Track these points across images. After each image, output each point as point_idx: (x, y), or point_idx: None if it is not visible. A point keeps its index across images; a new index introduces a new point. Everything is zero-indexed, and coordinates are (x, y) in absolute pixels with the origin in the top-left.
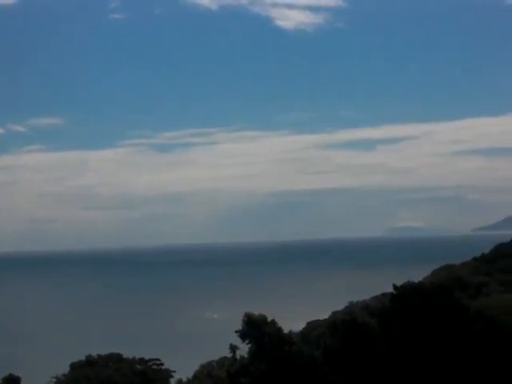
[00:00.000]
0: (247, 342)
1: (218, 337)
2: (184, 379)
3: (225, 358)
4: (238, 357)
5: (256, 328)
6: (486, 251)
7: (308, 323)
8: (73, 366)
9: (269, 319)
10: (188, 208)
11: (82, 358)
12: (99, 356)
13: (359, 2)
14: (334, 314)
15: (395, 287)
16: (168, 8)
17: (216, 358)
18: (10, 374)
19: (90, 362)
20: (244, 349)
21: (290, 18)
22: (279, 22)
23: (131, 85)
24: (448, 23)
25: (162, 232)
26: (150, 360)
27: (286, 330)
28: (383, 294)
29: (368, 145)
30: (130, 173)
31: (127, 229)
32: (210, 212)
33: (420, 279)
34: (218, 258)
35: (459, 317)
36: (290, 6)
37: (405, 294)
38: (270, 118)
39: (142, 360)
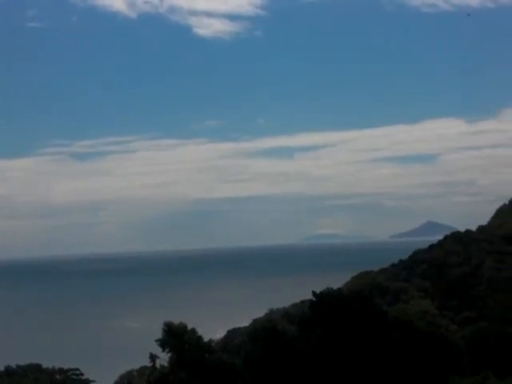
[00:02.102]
0: (167, 350)
1: (138, 346)
2: None
3: (145, 367)
4: (158, 366)
5: (176, 337)
6: (404, 257)
7: (228, 331)
8: None
9: (189, 328)
10: (107, 217)
11: (1, 368)
12: (18, 366)
13: (277, 10)
14: (255, 321)
15: (314, 294)
16: (85, 16)
17: (136, 367)
18: None
19: (8, 372)
20: (164, 358)
21: (208, 26)
22: (198, 30)
23: (49, 93)
24: (365, 30)
25: (81, 241)
26: (69, 370)
27: (206, 339)
28: (303, 302)
29: (286, 153)
30: (48, 182)
31: (47, 238)
32: (128, 221)
33: (339, 286)
34: (138, 267)
35: (377, 323)
36: (209, 14)
37: (324, 301)
38: (187, 127)
39: (61, 370)
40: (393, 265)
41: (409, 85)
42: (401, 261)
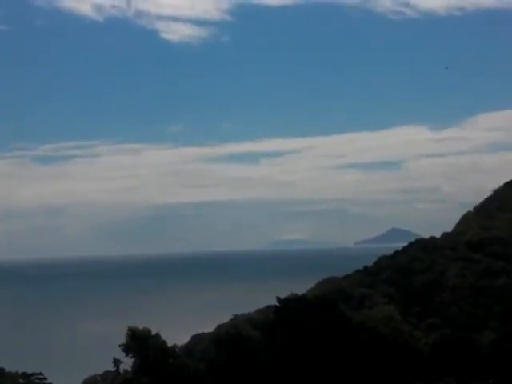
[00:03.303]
0: (131, 355)
1: (101, 351)
2: None
3: (108, 372)
4: (121, 371)
5: (140, 342)
6: (369, 264)
7: (193, 336)
8: None
9: (153, 333)
10: (69, 221)
11: None
12: None
13: (244, 16)
14: (219, 327)
15: (279, 300)
16: (51, 19)
17: (100, 372)
18: None
19: None
20: (128, 363)
21: (175, 31)
22: (165, 35)
23: (12, 95)
24: (331, 36)
25: (43, 245)
26: (32, 374)
27: (170, 344)
28: (267, 307)
29: (251, 158)
30: (10, 185)
31: (8, 241)
32: (91, 225)
33: (304, 291)
34: (101, 271)
35: (342, 328)
36: (176, 19)
37: (288, 307)
38: (151, 131)
39: (24, 374)
40: (357, 271)
41: (373, 92)
42: (365, 267)
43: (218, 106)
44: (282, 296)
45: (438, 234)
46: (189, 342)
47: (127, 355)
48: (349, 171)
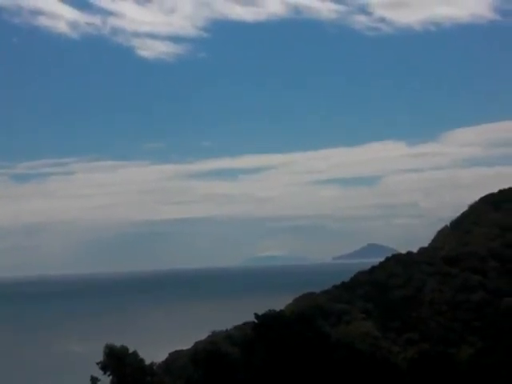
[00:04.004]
0: (108, 373)
1: (79, 369)
2: None
3: None
4: None
5: (117, 359)
6: (347, 279)
7: (170, 354)
8: None
9: (130, 350)
10: (48, 239)
11: None
12: None
13: (220, 32)
14: (197, 344)
15: (257, 316)
16: (27, 37)
17: None
18: None
19: None
20: (106, 381)
21: (151, 48)
22: (141, 52)
23: None
24: (308, 53)
25: (21, 264)
26: None
27: (148, 361)
28: (245, 324)
29: (230, 175)
30: None
31: None
32: (69, 243)
33: (281, 308)
34: (79, 289)
35: (319, 344)
36: (152, 36)
37: (266, 323)
38: (127, 149)
39: None
40: (335, 286)
41: (350, 107)
42: (343, 282)
43: (197, 122)
44: (260, 312)
45: (415, 249)
46: (166, 360)
47: (105, 373)
48: (327, 187)
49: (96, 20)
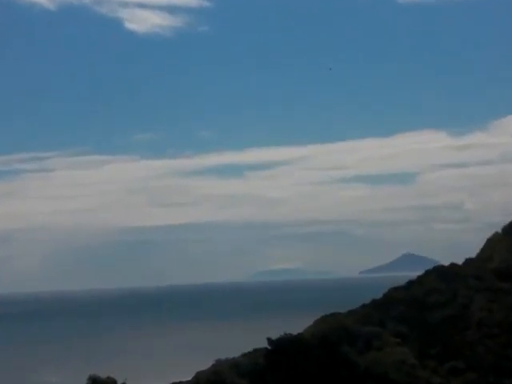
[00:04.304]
0: None
1: None
2: None
3: None
4: None
5: None
6: (377, 296)
7: None
8: None
9: (119, 382)
10: (21, 249)
11: None
12: None
13: (225, 1)
14: (198, 374)
15: (270, 341)
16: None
17: None
18: None
19: None
20: None
21: (142, 20)
22: (130, 25)
23: None
24: (327, 29)
25: None
26: None
27: None
28: (256, 350)
29: (234, 172)
30: None
31: None
32: (45, 254)
33: (299, 331)
34: (55, 309)
35: (346, 375)
36: (143, 6)
37: (281, 349)
38: (115, 141)
39: None
40: (363, 305)
41: (378, 91)
42: (373, 301)
43: (195, 109)
44: (274, 337)
45: (459, 260)
46: None
47: None
48: (352, 186)
49: None
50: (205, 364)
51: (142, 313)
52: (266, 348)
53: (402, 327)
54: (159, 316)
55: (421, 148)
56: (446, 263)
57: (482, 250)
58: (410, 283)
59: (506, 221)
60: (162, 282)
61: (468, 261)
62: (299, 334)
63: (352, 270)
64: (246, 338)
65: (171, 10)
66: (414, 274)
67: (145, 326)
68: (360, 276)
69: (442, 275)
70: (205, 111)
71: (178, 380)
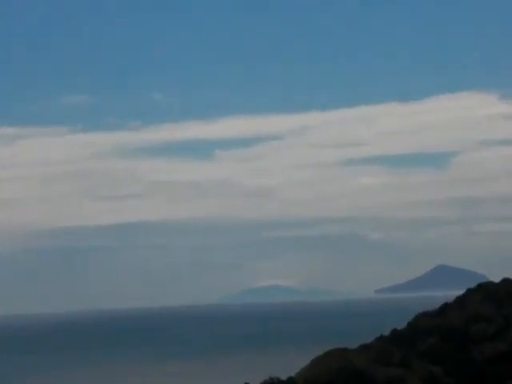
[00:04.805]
0: None
1: None
2: None
3: None
4: None
5: None
6: (400, 325)
7: None
8: None
9: None
10: None
11: None
12: None
13: None
14: None
15: None
16: None
17: None
18: None
19: None
20: None
21: None
22: None
23: None
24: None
25: None
26: None
27: None
28: None
29: (201, 149)
30: None
31: None
32: None
33: (292, 373)
34: None
35: None
36: None
37: None
38: (34, 106)
39: None
40: (381, 338)
41: (401, 40)
42: (394, 331)
43: (145, 63)
44: (256, 380)
45: None
46: None
47: None
48: (367, 170)
49: None
50: None
51: (80, 348)
52: None
53: (434, 369)
54: (104, 352)
55: (462, 117)
56: (496, 279)
57: None
58: (446, 306)
59: None
60: (105, 306)
61: None
62: (289, 378)
63: (365, 289)
64: (221, 379)
65: None
66: (451, 293)
67: (84, 364)
68: (376, 296)
69: (490, 296)
70: (158, 67)
71: None
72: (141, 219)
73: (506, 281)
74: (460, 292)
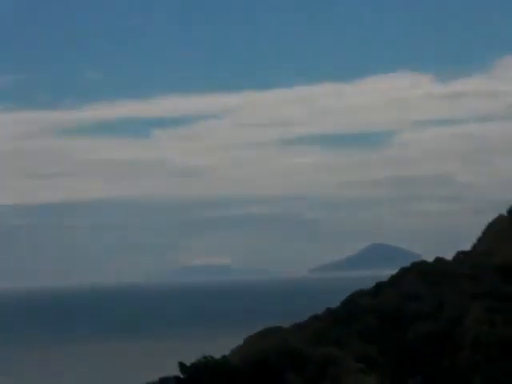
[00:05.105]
0: None
1: None
2: None
3: None
4: None
5: None
6: (334, 304)
7: None
8: None
9: None
10: None
11: None
12: None
13: None
14: None
15: (182, 367)
16: None
17: None
18: None
19: None
20: None
21: None
22: None
23: None
24: None
25: None
26: None
27: None
28: (162, 380)
29: (135, 128)
30: None
31: None
32: None
33: (224, 353)
34: None
35: None
36: None
37: (197, 378)
38: None
39: None
40: (315, 317)
41: (338, 22)
42: (328, 310)
43: (78, 40)
44: (188, 360)
45: (448, 254)
46: None
47: None
48: (302, 149)
49: None
50: None
51: (9, 326)
52: (177, 377)
53: (368, 348)
54: (24, 330)
55: (398, 97)
56: (430, 258)
57: (481, 239)
58: (380, 286)
59: None
60: (37, 284)
61: (460, 255)
62: (223, 356)
63: (299, 268)
64: (148, 363)
65: None
66: (385, 272)
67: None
68: (310, 275)
69: (424, 275)
70: (91, 43)
71: None
72: (74, 198)
73: (439, 260)
74: (394, 271)
